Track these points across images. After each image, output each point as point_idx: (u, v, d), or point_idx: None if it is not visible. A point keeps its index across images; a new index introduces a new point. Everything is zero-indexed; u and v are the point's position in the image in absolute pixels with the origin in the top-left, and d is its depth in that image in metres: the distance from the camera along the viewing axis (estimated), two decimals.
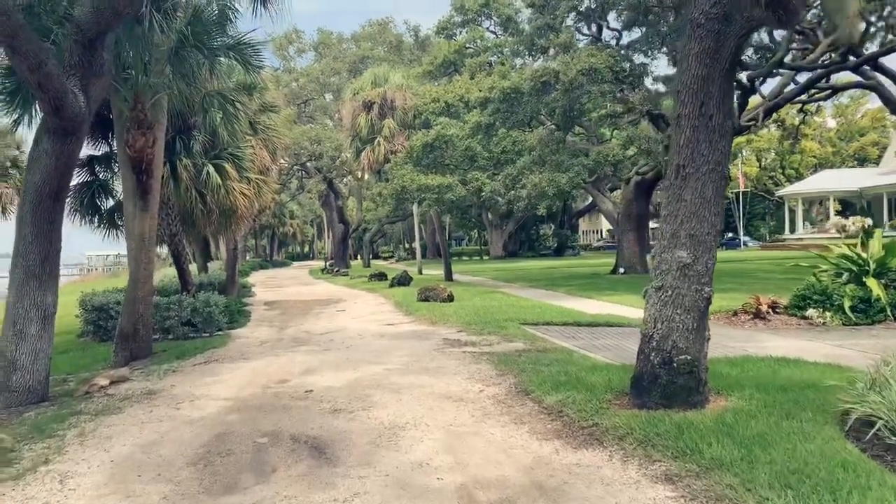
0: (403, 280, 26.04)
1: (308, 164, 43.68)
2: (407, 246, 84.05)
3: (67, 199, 16.73)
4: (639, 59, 24.17)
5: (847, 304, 12.62)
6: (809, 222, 56.99)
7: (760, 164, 66.98)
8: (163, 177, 16.32)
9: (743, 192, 61.92)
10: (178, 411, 7.60)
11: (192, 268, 26.76)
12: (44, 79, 7.22)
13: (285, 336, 14.22)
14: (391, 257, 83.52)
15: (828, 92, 25.15)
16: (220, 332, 14.87)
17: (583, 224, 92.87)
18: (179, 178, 16.53)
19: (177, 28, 10.15)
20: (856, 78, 23.08)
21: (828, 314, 12.77)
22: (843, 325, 12.49)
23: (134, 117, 11.41)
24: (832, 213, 55.23)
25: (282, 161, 36.53)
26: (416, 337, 13.00)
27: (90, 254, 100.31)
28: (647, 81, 22.37)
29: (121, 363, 11.88)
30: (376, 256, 71.44)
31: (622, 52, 20.97)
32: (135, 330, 12.57)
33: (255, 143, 20.18)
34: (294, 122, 37.00)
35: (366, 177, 38.86)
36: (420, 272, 34.95)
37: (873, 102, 60.10)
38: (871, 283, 12.73)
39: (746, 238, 63.85)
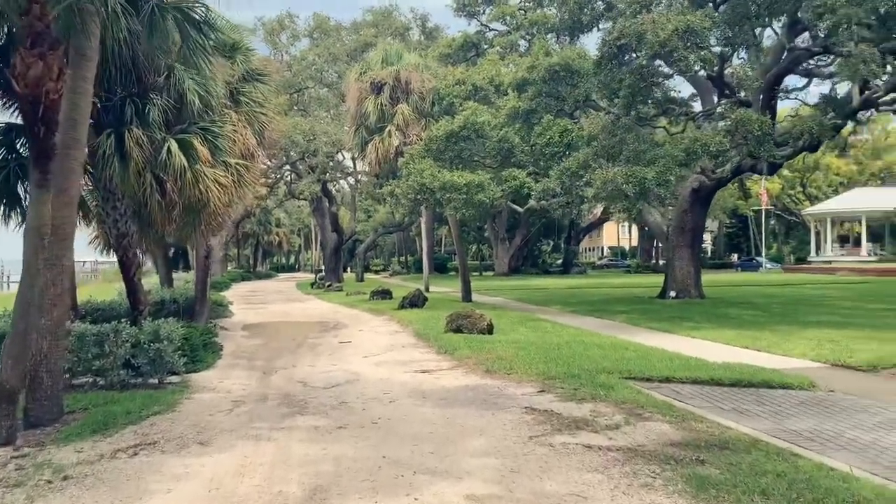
0: (416, 300, 21.20)
1: (299, 163, 38.77)
2: (402, 259, 78.99)
3: None
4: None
5: None
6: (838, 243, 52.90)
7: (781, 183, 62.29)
8: (104, 152, 11.70)
9: (762, 210, 57.29)
10: None
11: (154, 280, 21.86)
12: None
13: (270, 390, 9.44)
14: (384, 271, 78.56)
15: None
16: (173, 379, 10.07)
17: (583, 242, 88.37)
18: (128, 155, 11.70)
19: None
20: None
21: None
22: None
23: (26, 26, 6.67)
24: (864, 234, 51.30)
25: (266, 162, 31.85)
26: (481, 402, 8.26)
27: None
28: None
29: (1, 439, 7.17)
30: (367, 270, 66.23)
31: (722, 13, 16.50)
32: (33, 379, 7.86)
33: (237, 118, 15.42)
34: (285, 113, 32.19)
35: (365, 174, 33.99)
36: (427, 289, 30.16)
37: None
38: None
39: (763, 260, 59.04)
